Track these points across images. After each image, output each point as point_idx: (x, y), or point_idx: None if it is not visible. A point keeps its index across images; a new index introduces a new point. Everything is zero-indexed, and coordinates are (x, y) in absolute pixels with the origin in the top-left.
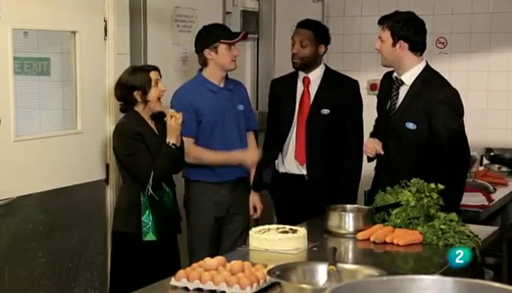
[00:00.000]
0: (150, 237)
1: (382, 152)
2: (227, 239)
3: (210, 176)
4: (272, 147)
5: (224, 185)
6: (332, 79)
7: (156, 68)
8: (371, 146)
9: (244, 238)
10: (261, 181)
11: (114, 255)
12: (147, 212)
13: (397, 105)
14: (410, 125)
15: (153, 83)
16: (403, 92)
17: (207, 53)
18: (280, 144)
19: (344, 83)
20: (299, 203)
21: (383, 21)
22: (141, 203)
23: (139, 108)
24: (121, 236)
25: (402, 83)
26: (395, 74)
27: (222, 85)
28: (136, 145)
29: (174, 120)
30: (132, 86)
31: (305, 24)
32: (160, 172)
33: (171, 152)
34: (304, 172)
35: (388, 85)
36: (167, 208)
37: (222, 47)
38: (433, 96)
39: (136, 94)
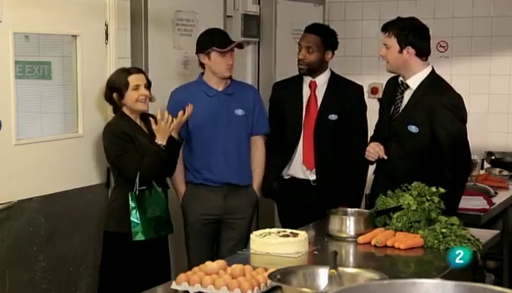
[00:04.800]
0: (140, 237)
1: (385, 157)
2: (223, 246)
3: (201, 179)
4: (281, 153)
5: (216, 190)
6: (338, 84)
7: (140, 71)
8: (373, 150)
9: (240, 248)
10: (271, 188)
11: (106, 255)
12: (134, 212)
13: (401, 109)
14: (413, 128)
15: (131, 86)
16: (407, 96)
17: (202, 57)
18: (290, 149)
19: (350, 88)
20: (305, 209)
21: (387, 28)
22: (129, 203)
23: (125, 109)
24: (114, 236)
25: (407, 87)
26: (401, 78)
27: (221, 89)
28: (125, 145)
29: (164, 122)
30: (112, 87)
31: (312, 29)
32: (146, 171)
33: (158, 152)
34: (310, 177)
35: (393, 90)
36: (157, 209)
37: (214, 54)
38: (437, 100)
39: (115, 96)
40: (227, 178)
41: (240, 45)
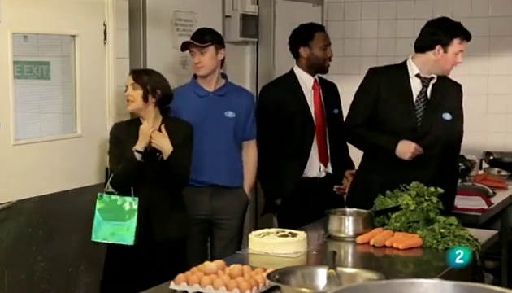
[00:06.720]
0: (93, 238)
1: (422, 151)
2: (216, 246)
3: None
4: (297, 157)
5: (201, 190)
6: (322, 82)
7: (132, 72)
8: (409, 149)
9: (233, 247)
10: (274, 204)
11: (106, 256)
12: (96, 213)
13: (429, 98)
14: (447, 116)
15: (125, 88)
16: (430, 87)
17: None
18: (307, 149)
19: (331, 85)
20: (309, 208)
21: (469, 35)
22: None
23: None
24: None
25: (430, 80)
26: (422, 74)
27: (212, 90)
28: (112, 147)
29: (146, 127)
30: None
31: (323, 27)
32: (116, 177)
33: (130, 159)
34: (322, 174)
35: (400, 84)
36: (120, 217)
37: (191, 52)
38: (455, 86)
39: None
40: (214, 179)
41: (201, 41)
